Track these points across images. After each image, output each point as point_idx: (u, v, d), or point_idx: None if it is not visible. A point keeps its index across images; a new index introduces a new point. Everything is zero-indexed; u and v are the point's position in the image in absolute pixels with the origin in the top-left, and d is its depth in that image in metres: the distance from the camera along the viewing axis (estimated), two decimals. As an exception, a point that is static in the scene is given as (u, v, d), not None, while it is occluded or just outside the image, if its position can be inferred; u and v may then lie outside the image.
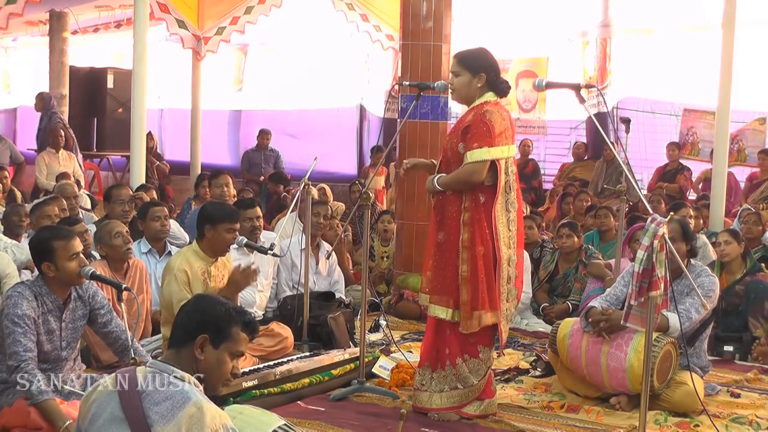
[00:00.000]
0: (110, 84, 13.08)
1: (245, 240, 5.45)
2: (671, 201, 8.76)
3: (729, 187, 9.49)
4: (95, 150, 13.27)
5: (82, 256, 4.23)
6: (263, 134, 12.98)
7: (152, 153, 12.18)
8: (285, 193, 10.59)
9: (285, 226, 6.99)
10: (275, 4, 11.82)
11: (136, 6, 8.30)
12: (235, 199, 7.69)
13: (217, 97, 14.46)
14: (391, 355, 5.72)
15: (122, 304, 4.01)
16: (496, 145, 4.55)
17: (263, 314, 6.43)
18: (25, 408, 3.90)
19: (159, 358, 3.01)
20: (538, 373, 5.59)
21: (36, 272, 4.35)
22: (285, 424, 3.43)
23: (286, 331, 5.83)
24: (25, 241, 6.09)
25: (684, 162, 11.41)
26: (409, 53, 7.30)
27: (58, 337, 4.20)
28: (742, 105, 9.88)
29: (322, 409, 4.80)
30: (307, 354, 5.48)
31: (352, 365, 5.26)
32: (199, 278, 5.13)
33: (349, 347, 5.69)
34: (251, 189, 10.47)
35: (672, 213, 4.64)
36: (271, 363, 5.14)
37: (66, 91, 12.87)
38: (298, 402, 4.88)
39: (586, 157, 12.31)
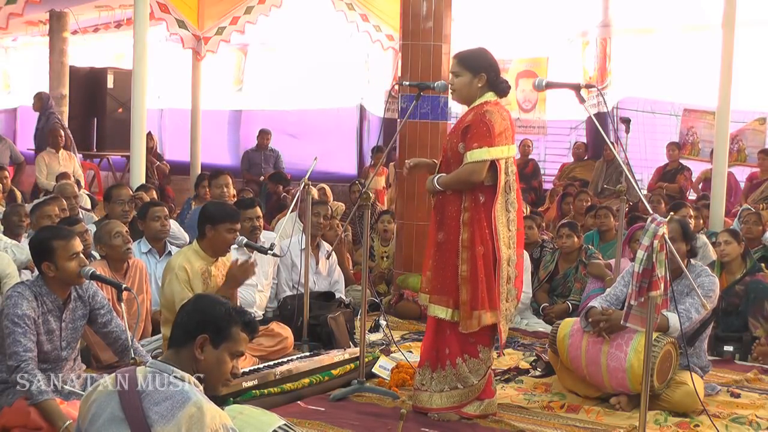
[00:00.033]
0: (110, 84, 13.08)
1: (245, 240, 5.45)
2: (671, 201, 8.76)
3: (729, 187, 9.49)
4: (95, 150, 13.26)
5: (82, 256, 4.23)
6: (263, 134, 12.98)
7: (152, 153, 12.18)
8: (285, 193, 10.58)
9: (285, 226, 6.99)
10: (275, 4, 11.82)
11: (136, 6, 8.29)
12: (235, 199, 7.69)
13: (217, 97, 14.46)
14: (391, 355, 5.72)
15: (122, 304, 4.01)
16: (496, 145, 4.56)
17: (263, 314, 6.43)
18: (25, 408, 3.90)
19: (159, 358, 3.01)
20: (538, 373, 5.59)
21: (36, 272, 4.35)
22: (285, 424, 3.43)
23: (286, 331, 5.83)
24: (25, 241, 6.09)
25: (684, 162, 11.41)
26: (409, 53, 7.30)
27: (58, 337, 4.20)
28: (742, 105, 9.89)
29: (322, 409, 4.80)
30: (307, 354, 5.48)
31: (352, 365, 5.26)
32: (200, 277, 5.14)
33: (349, 347, 5.69)
34: (251, 189, 10.46)
35: (672, 213, 4.64)
36: (271, 363, 5.14)
37: (66, 91, 12.87)
38: (298, 402, 4.88)
39: (586, 157, 12.31)
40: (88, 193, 9.88)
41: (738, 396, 5.24)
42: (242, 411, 3.48)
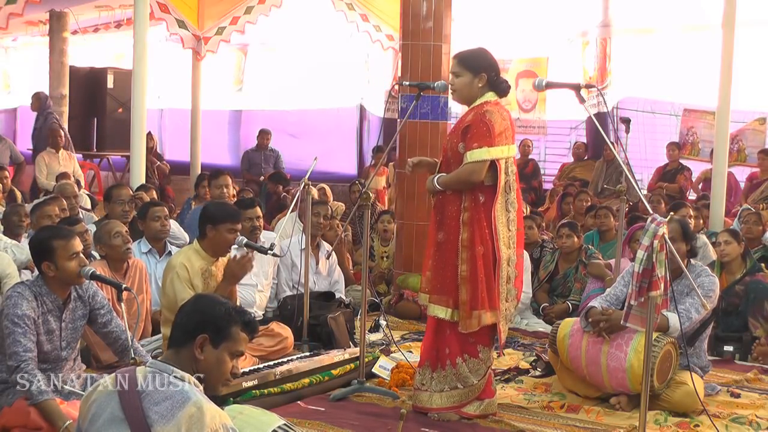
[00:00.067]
0: (110, 84, 13.08)
1: (245, 240, 5.45)
2: (671, 201, 8.76)
3: (729, 187, 9.50)
4: (95, 150, 13.26)
5: (82, 255, 4.23)
6: (263, 134, 12.98)
7: (152, 153, 12.18)
8: (285, 193, 10.58)
9: (285, 226, 6.99)
10: (275, 4, 11.82)
11: (136, 6, 8.29)
12: (235, 199, 7.69)
13: (217, 97, 14.46)
14: (391, 355, 5.71)
15: (122, 304, 4.01)
16: (495, 145, 4.56)
17: (263, 314, 6.43)
18: (25, 408, 3.90)
19: (159, 358, 3.01)
20: (538, 373, 5.59)
21: (36, 272, 4.35)
22: (285, 424, 3.43)
23: (286, 331, 5.83)
24: (25, 241, 6.09)
25: (684, 162, 11.41)
26: (409, 53, 7.30)
27: (58, 337, 4.20)
28: (742, 105, 9.89)
29: (322, 409, 4.80)
30: (307, 354, 5.48)
31: (352, 365, 5.26)
32: (200, 276, 5.13)
33: (349, 347, 5.69)
34: (251, 189, 10.46)
35: (672, 213, 4.64)
36: (271, 363, 5.14)
37: (66, 91, 12.87)
38: (298, 402, 4.88)
39: (586, 157, 12.31)
40: (88, 193, 9.89)
41: (738, 396, 5.24)
42: (242, 411, 3.48)
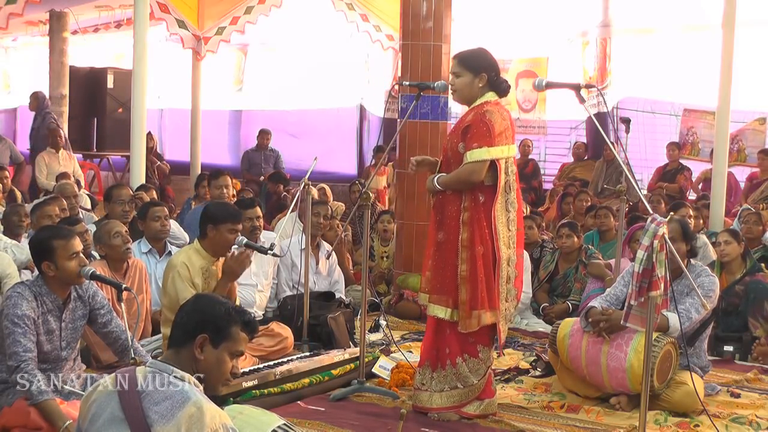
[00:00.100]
0: (110, 84, 13.08)
1: (245, 240, 5.45)
2: (671, 201, 8.76)
3: (729, 187, 9.50)
4: (95, 150, 13.27)
5: (82, 255, 4.23)
6: (263, 134, 12.99)
7: (152, 153, 12.18)
8: (285, 193, 10.58)
9: (285, 226, 6.99)
10: (275, 4, 11.82)
11: (136, 6, 8.29)
12: (235, 199, 7.69)
13: (217, 97, 14.46)
14: (391, 355, 5.71)
15: (122, 304, 4.02)
16: (495, 145, 4.56)
17: (263, 314, 6.43)
18: (25, 408, 3.90)
19: (159, 358, 3.01)
20: (538, 373, 5.59)
21: (36, 272, 4.35)
22: (285, 424, 3.43)
23: (286, 331, 5.83)
24: (25, 241, 6.09)
25: (684, 162, 11.41)
26: (409, 53, 7.29)
27: (58, 337, 4.20)
28: (742, 105, 9.89)
29: (322, 409, 4.80)
30: (307, 354, 5.48)
31: (352, 365, 5.26)
32: (200, 275, 5.13)
33: (349, 347, 5.69)
34: (251, 189, 10.46)
35: (672, 213, 4.64)
36: (271, 363, 5.14)
37: (66, 91, 12.87)
38: (298, 402, 4.88)
39: (586, 157, 12.31)
40: (88, 193, 9.89)
41: (738, 396, 5.24)
42: (242, 411, 3.48)
